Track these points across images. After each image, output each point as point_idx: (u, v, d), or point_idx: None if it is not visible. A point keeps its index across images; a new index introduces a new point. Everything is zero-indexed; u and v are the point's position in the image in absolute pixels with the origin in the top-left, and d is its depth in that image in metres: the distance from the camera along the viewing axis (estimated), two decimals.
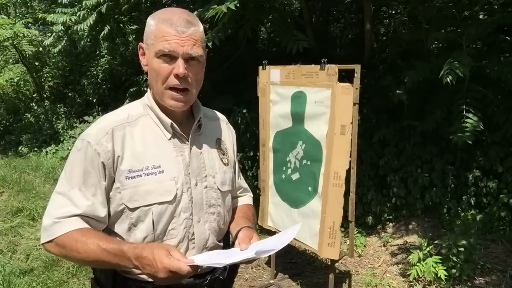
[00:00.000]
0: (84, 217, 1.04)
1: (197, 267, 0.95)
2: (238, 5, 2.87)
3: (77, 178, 1.05)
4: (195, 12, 3.15)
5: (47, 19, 5.07)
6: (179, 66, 1.02)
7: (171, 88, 1.05)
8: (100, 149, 1.04)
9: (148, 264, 0.94)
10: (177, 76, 1.03)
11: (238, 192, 1.38)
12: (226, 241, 1.25)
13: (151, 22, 1.06)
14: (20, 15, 8.71)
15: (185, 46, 1.01)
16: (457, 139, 3.09)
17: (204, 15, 2.99)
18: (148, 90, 1.17)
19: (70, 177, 1.06)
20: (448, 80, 2.76)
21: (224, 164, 1.22)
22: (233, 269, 1.19)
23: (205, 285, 1.11)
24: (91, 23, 4.66)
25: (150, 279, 1.04)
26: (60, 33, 5.39)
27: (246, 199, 1.40)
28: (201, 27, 1.08)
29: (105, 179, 1.05)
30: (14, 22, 7.86)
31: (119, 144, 1.06)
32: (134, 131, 1.09)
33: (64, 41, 5.58)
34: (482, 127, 3.12)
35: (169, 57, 1.02)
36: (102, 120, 1.10)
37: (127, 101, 6.29)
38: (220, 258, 1.01)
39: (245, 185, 1.42)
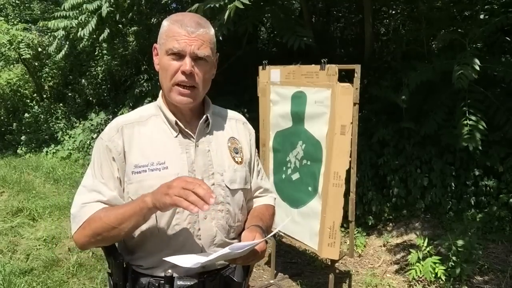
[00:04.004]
0: (108, 204, 1.11)
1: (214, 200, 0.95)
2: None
3: (98, 172, 1.13)
4: (195, 5, 3.13)
5: (48, 25, 5.08)
6: (186, 64, 1.08)
7: (178, 85, 1.10)
8: (111, 145, 1.12)
9: (162, 187, 0.98)
10: (183, 73, 1.08)
11: (258, 192, 1.35)
12: None
13: (165, 23, 1.13)
14: (19, 17, 8.72)
15: (193, 45, 1.08)
16: (464, 144, 3.05)
17: (205, 9, 2.98)
18: (160, 91, 1.21)
19: (93, 171, 1.15)
20: (461, 85, 2.78)
21: (236, 162, 1.22)
22: (245, 269, 1.19)
23: (214, 282, 1.13)
24: (93, 27, 4.66)
25: (160, 274, 1.09)
26: (61, 39, 5.40)
27: (266, 199, 1.37)
28: (211, 30, 1.14)
29: (118, 172, 1.12)
30: (13, 23, 7.87)
31: (128, 141, 1.13)
32: (143, 129, 1.15)
33: (66, 46, 5.59)
34: (485, 128, 3.09)
35: (178, 56, 1.08)
36: (116, 120, 1.19)
37: (128, 101, 6.29)
38: (199, 258, 1.01)
39: (267, 185, 1.39)
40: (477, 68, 2.83)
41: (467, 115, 3.12)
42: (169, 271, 1.08)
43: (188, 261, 0.99)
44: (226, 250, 0.97)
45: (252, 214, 1.28)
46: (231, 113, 1.33)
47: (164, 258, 1.02)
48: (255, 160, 1.33)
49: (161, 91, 1.21)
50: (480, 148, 3.08)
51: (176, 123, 1.14)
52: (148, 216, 1.04)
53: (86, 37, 5.01)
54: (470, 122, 3.07)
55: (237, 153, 1.24)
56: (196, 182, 0.95)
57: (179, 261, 0.98)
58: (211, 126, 1.20)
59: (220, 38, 3.30)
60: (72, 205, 1.13)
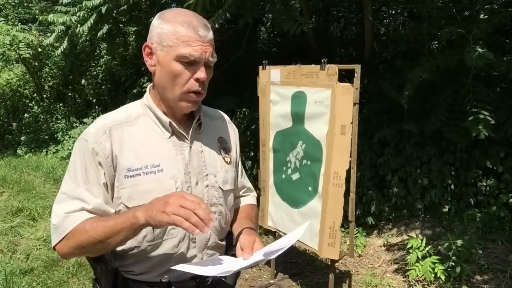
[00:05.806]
0: (93, 213, 1.04)
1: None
2: None
3: (81, 177, 1.05)
4: None
5: (48, 20, 5.08)
6: (202, 72, 1.04)
7: (189, 92, 1.06)
8: (98, 148, 1.04)
9: (156, 203, 0.93)
10: (197, 80, 1.05)
11: (241, 192, 1.36)
12: (229, 241, 1.24)
13: (166, 23, 1.04)
14: (18, 17, 8.71)
15: (207, 52, 1.04)
16: (477, 133, 3.02)
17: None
18: (147, 90, 1.16)
19: (74, 176, 1.05)
20: (481, 64, 2.79)
21: (227, 162, 1.21)
22: (236, 272, 1.18)
23: (207, 285, 1.11)
24: (92, 23, 4.66)
25: (154, 279, 1.06)
26: (60, 33, 5.39)
27: (249, 199, 1.38)
28: None
29: (104, 177, 1.05)
30: (13, 23, 7.87)
31: (117, 143, 1.06)
32: (132, 130, 1.09)
33: (65, 42, 5.58)
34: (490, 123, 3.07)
35: (190, 62, 1.03)
36: (101, 120, 1.10)
37: (128, 102, 6.29)
38: (225, 267, 0.99)
39: (249, 184, 1.40)
40: (490, 56, 2.81)
41: (473, 109, 3.11)
42: (166, 276, 1.06)
43: (206, 269, 0.97)
44: (260, 256, 0.98)
45: (240, 215, 1.28)
46: (216, 112, 1.31)
47: (173, 267, 0.98)
48: (239, 160, 1.32)
49: (148, 89, 1.16)
50: (491, 134, 3.05)
51: (170, 124, 1.10)
52: (139, 231, 0.99)
53: (85, 33, 5.01)
54: (480, 116, 3.05)
55: (226, 153, 1.23)
56: (196, 201, 0.91)
57: (198, 271, 0.96)
58: (202, 127, 1.18)
59: (217, 26, 3.34)
60: (53, 215, 1.04)
